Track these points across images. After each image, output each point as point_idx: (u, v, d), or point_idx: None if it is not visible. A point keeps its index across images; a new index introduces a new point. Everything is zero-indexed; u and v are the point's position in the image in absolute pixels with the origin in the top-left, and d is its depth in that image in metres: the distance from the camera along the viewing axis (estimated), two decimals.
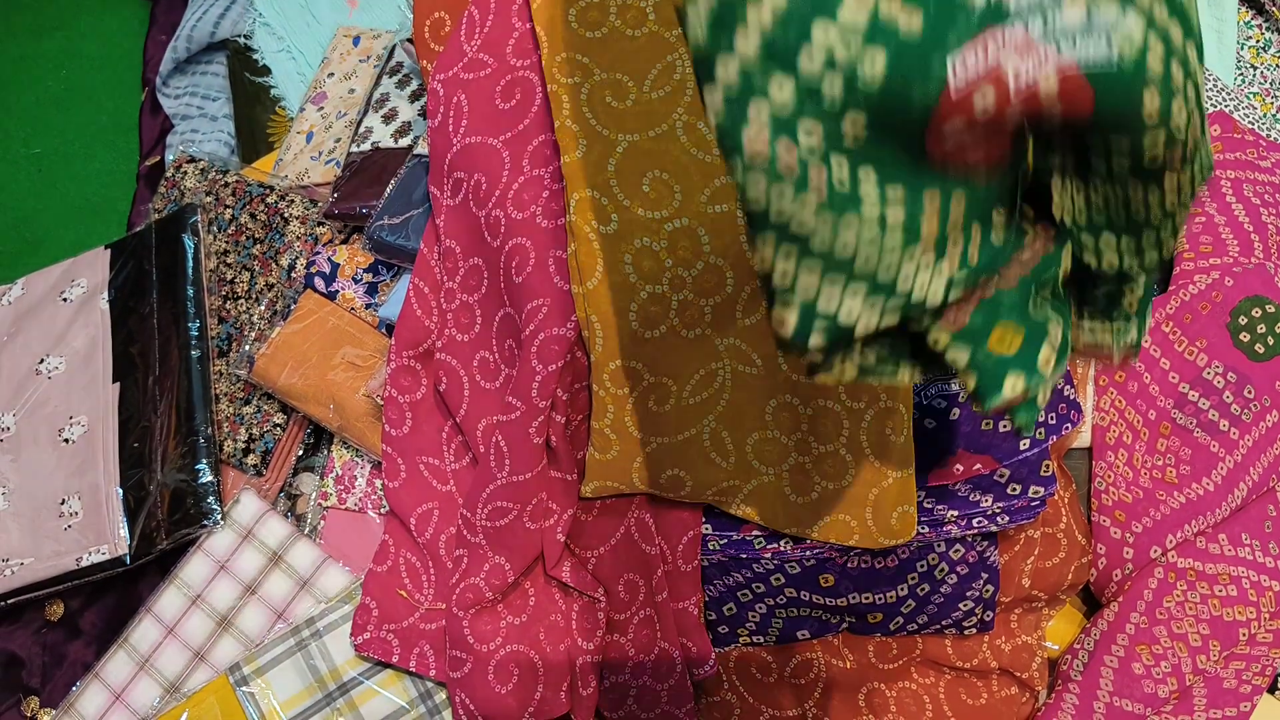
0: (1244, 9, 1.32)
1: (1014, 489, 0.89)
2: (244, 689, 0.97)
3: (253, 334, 1.12)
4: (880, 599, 0.91)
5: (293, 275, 1.13)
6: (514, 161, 0.90)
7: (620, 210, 0.84)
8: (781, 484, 0.89)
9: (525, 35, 0.94)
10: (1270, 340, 0.95)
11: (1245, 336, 0.95)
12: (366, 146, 1.15)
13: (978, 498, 0.90)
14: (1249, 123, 1.17)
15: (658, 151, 0.86)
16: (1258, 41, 1.31)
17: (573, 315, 0.83)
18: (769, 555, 0.90)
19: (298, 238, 1.15)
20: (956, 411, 0.91)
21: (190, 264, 1.17)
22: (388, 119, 1.16)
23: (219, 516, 1.05)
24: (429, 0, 1.03)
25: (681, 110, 0.87)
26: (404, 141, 1.13)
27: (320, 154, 1.22)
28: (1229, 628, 0.91)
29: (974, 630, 0.94)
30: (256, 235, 1.17)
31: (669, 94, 0.88)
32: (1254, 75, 1.28)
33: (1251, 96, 1.26)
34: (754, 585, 0.91)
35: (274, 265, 1.15)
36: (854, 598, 0.90)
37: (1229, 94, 1.20)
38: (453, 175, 0.97)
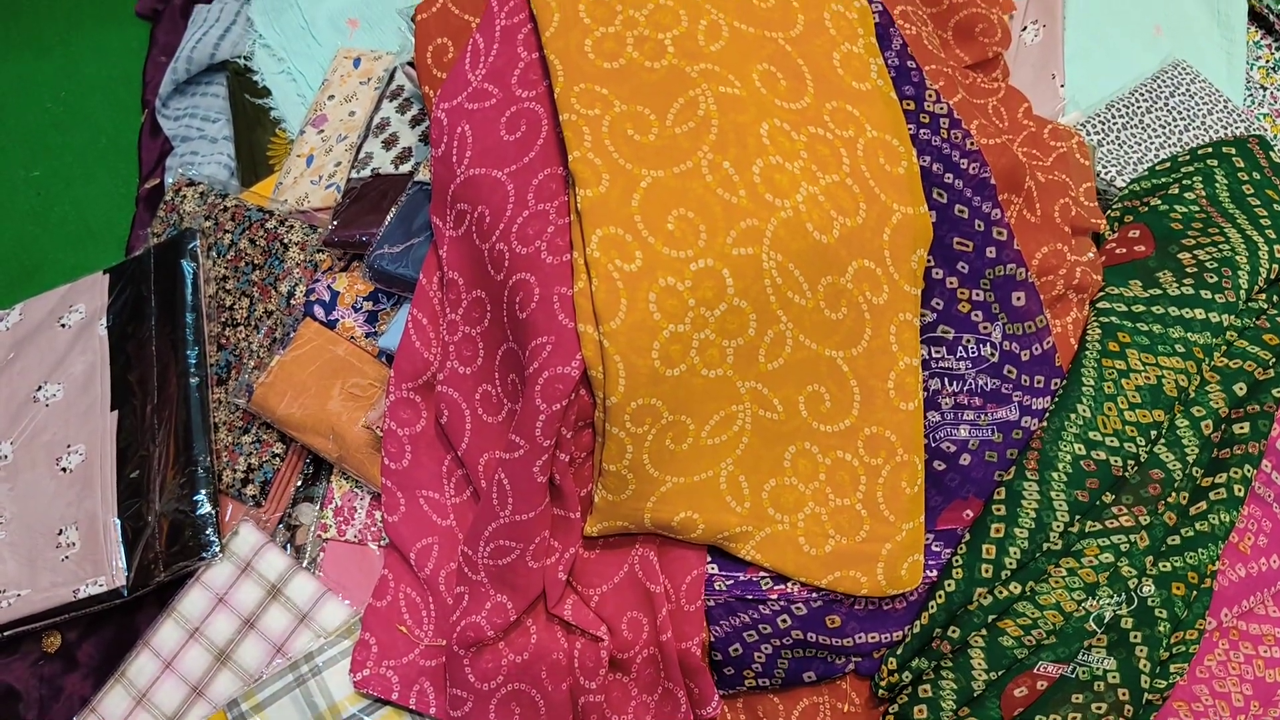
0: (1253, 29, 1.31)
1: None
2: None
3: (251, 362, 1.11)
4: (887, 638, 0.90)
5: (292, 303, 1.12)
6: (519, 195, 0.89)
7: (644, 248, 0.82)
8: (796, 534, 0.88)
9: (531, 65, 0.93)
10: None
11: None
12: (367, 173, 1.14)
13: None
14: None
15: (682, 189, 0.84)
16: (1267, 62, 1.30)
17: (578, 354, 0.82)
18: (776, 597, 0.89)
19: (297, 264, 1.14)
20: (967, 457, 0.90)
21: (189, 290, 1.16)
22: (388, 144, 1.15)
23: (217, 549, 1.03)
24: (431, 26, 1.02)
25: (707, 149, 0.85)
26: (404, 168, 1.12)
27: (320, 178, 1.21)
28: (1271, 689, 0.90)
29: None
30: (256, 261, 1.16)
31: (693, 130, 0.86)
32: (1264, 96, 1.27)
33: (1262, 118, 1.25)
34: (760, 626, 0.89)
35: (273, 292, 1.14)
36: (860, 638, 0.89)
37: (1239, 115, 1.19)
38: (456, 206, 0.95)
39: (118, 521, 1.06)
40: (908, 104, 0.94)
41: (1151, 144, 1.16)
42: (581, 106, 0.86)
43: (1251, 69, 1.29)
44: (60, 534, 1.07)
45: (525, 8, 0.95)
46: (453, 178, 0.95)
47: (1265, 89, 1.28)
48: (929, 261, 0.92)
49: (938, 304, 0.94)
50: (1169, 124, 1.18)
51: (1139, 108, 1.19)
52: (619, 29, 0.90)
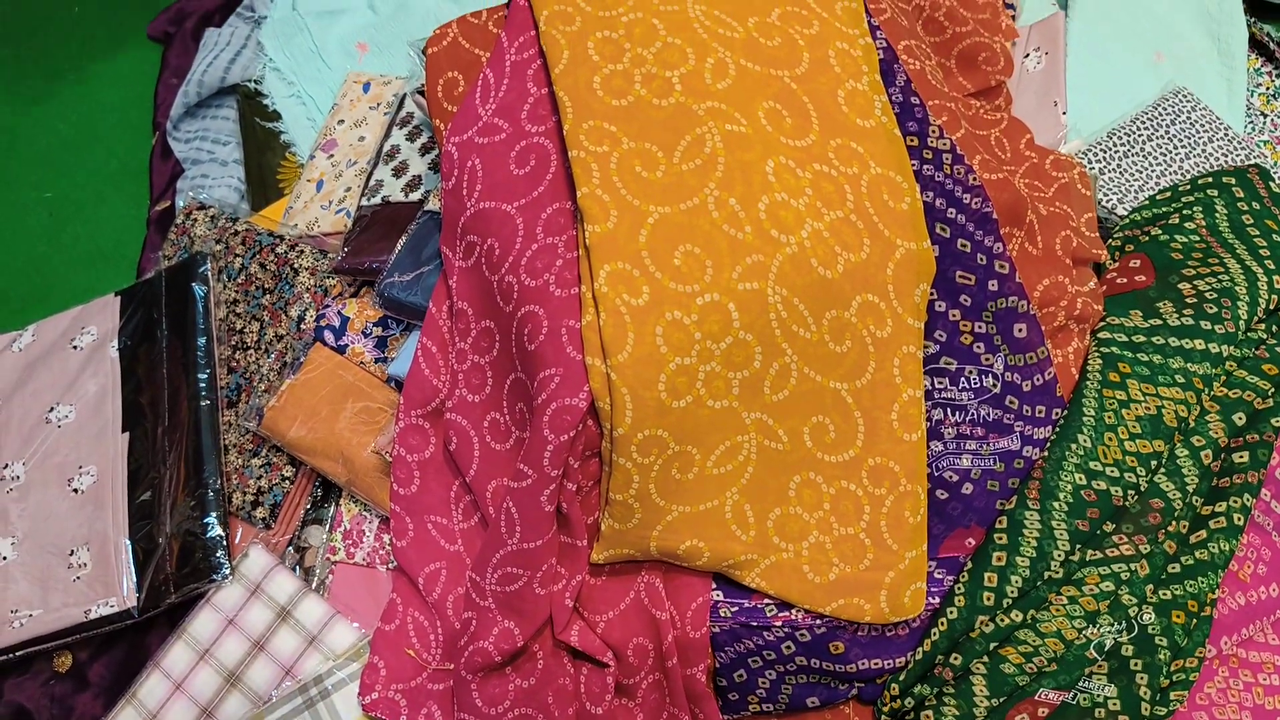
0: (1254, 56, 1.32)
1: None
2: None
3: (262, 386, 1.12)
4: (890, 664, 0.91)
5: (302, 327, 1.13)
6: (527, 228, 0.90)
7: (652, 282, 0.84)
8: (800, 562, 0.89)
9: (540, 100, 0.94)
10: None
11: None
12: (377, 200, 1.15)
13: None
14: None
15: (689, 225, 0.86)
16: (1268, 89, 1.31)
17: (585, 385, 0.83)
18: (780, 623, 0.90)
19: (307, 289, 1.15)
20: (969, 486, 0.91)
21: (200, 313, 1.17)
22: (398, 172, 1.17)
23: (228, 570, 1.05)
24: (442, 60, 1.03)
25: (713, 185, 0.87)
26: (414, 195, 1.14)
27: (330, 203, 1.22)
28: (1271, 716, 0.91)
29: None
30: (266, 285, 1.18)
31: (699, 167, 0.88)
32: (1264, 123, 1.28)
33: (1262, 145, 1.26)
34: (764, 652, 0.90)
35: (283, 316, 1.15)
36: (864, 664, 0.90)
37: (1239, 143, 1.20)
38: (466, 238, 0.97)
39: (129, 543, 1.07)
40: (911, 140, 0.96)
41: (1152, 172, 1.17)
42: (590, 143, 0.88)
43: (1252, 96, 1.30)
44: (72, 555, 1.08)
45: (534, 44, 0.97)
46: (463, 210, 0.96)
47: (1265, 116, 1.29)
48: (932, 294, 0.94)
49: (940, 336, 0.95)
50: (1170, 151, 1.19)
51: (1140, 135, 1.20)
52: (627, 66, 0.91)
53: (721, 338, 0.84)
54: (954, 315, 0.95)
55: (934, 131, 0.96)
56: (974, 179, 0.95)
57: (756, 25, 0.96)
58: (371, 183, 1.18)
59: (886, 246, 0.89)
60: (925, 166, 0.95)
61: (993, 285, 0.94)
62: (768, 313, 0.85)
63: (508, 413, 0.94)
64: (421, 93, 1.09)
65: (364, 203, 1.16)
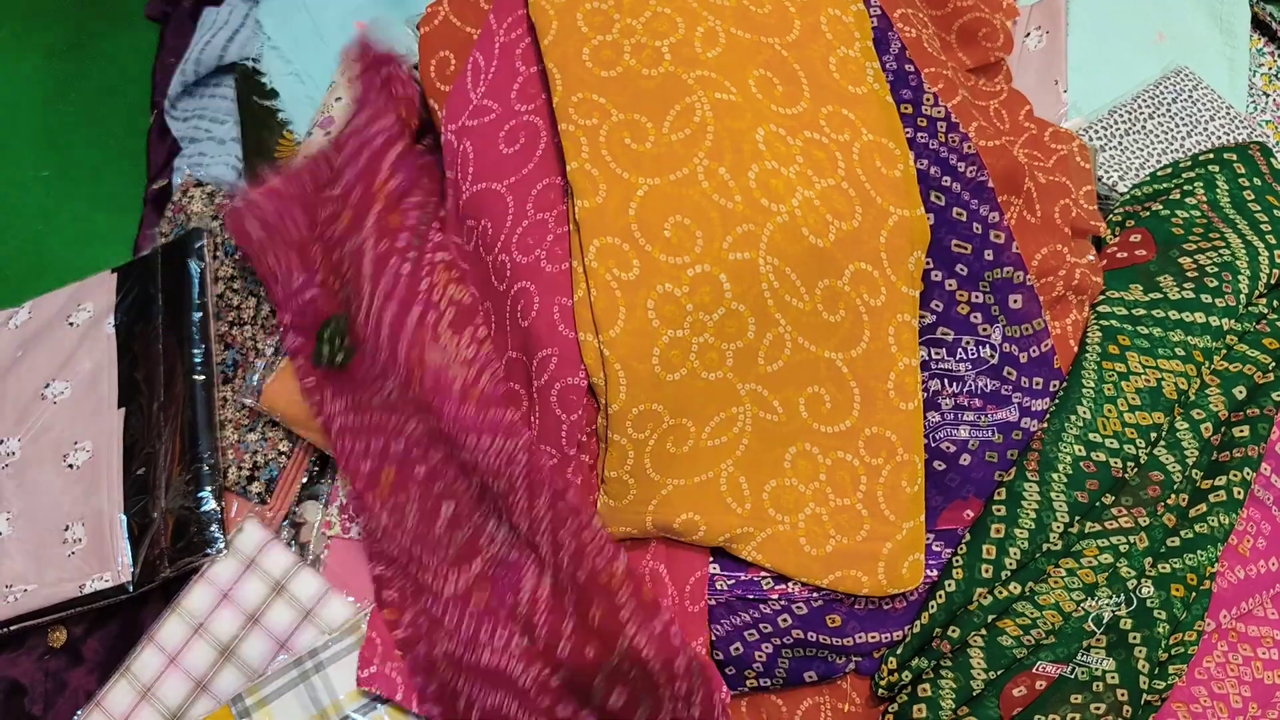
0: (1256, 36, 1.32)
1: None
2: None
3: (259, 362, 1.12)
4: (887, 638, 0.90)
5: None
6: (518, 205, 0.90)
7: (642, 256, 0.83)
8: (797, 534, 0.89)
9: (530, 79, 0.94)
10: None
11: None
12: None
13: None
14: None
15: (678, 196, 0.85)
16: (1270, 69, 1.30)
17: (582, 363, 0.83)
18: (777, 596, 0.89)
19: None
20: (967, 457, 0.91)
21: (196, 289, 1.17)
22: None
23: (222, 545, 1.04)
24: (434, 39, 1.03)
25: (702, 155, 0.86)
26: None
27: None
28: (1269, 690, 0.90)
29: None
30: None
31: (689, 137, 0.87)
32: (1267, 102, 1.28)
33: (1264, 124, 1.26)
34: (761, 625, 0.90)
35: None
36: (860, 637, 0.90)
37: (1241, 122, 1.19)
38: (464, 223, 0.97)
39: (124, 518, 1.07)
40: (905, 107, 0.95)
41: (1154, 150, 1.17)
42: (579, 116, 0.87)
43: (1254, 75, 1.29)
44: (67, 530, 1.08)
45: (523, 23, 0.97)
46: (460, 196, 0.96)
47: (1268, 95, 1.28)
48: (928, 264, 0.93)
49: (937, 306, 0.95)
50: (1171, 130, 1.18)
51: (1141, 114, 1.19)
52: (616, 37, 0.91)
53: (714, 309, 0.84)
54: (950, 285, 0.94)
55: (929, 99, 0.95)
56: (969, 147, 0.94)
57: None
58: None
59: (879, 214, 0.88)
60: (919, 134, 0.94)
61: (989, 255, 0.93)
62: (759, 283, 0.85)
63: None
64: (417, 67, 1.09)
65: None
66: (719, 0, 0.93)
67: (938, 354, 0.95)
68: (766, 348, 0.87)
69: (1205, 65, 1.26)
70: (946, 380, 0.95)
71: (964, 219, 0.94)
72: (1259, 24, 1.32)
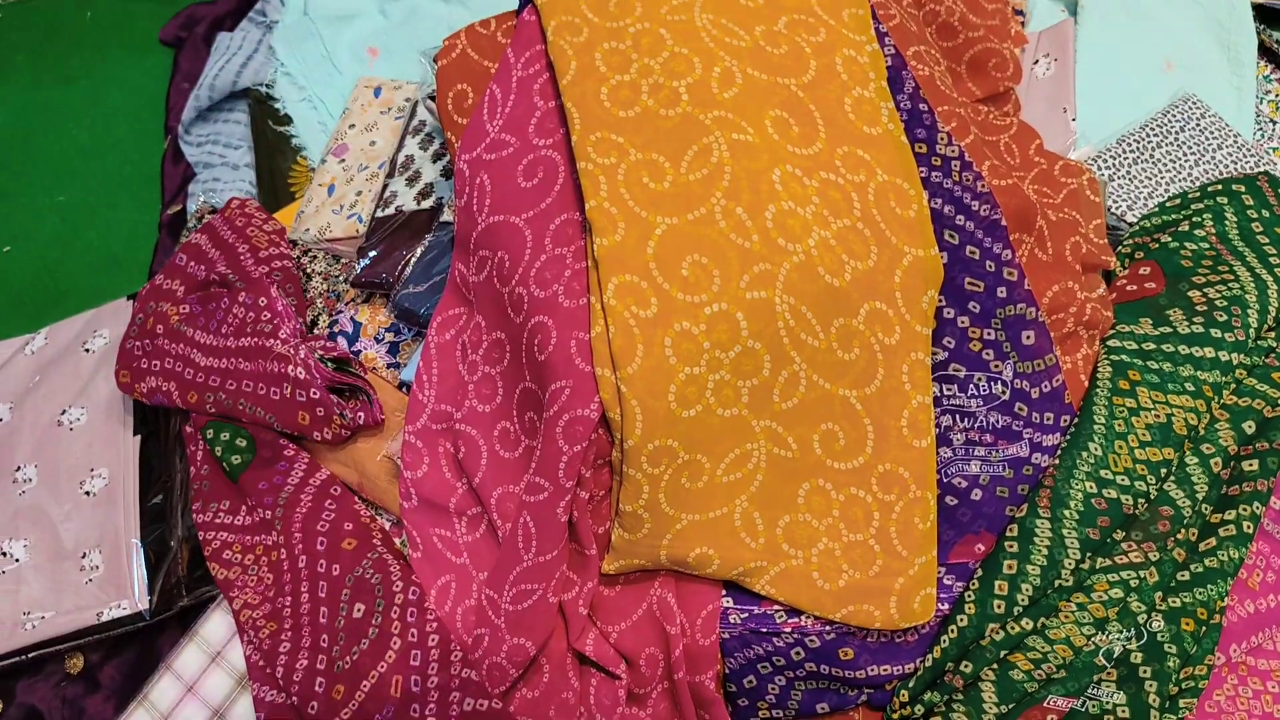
0: (1263, 63, 1.32)
1: None
2: None
3: None
4: (899, 671, 0.91)
5: (315, 332, 1.13)
6: (536, 240, 0.91)
7: (660, 294, 0.84)
8: (810, 569, 0.90)
9: (547, 113, 0.95)
10: None
11: None
12: (391, 210, 1.16)
13: None
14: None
15: (696, 235, 0.86)
16: (1277, 96, 1.31)
17: (596, 396, 0.83)
18: (789, 629, 0.90)
19: (320, 294, 1.16)
20: (978, 492, 0.91)
21: None
22: (411, 181, 1.17)
23: None
24: (452, 72, 1.04)
25: (720, 194, 0.87)
26: (427, 203, 1.14)
27: (342, 207, 1.23)
28: None
29: None
30: None
31: (706, 176, 0.88)
32: (1274, 130, 1.28)
33: (1272, 152, 1.26)
34: (774, 658, 0.91)
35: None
36: (873, 670, 0.90)
37: (1249, 150, 1.20)
38: (478, 254, 0.97)
39: (140, 545, 1.08)
40: (919, 147, 0.96)
41: (1162, 179, 1.18)
42: (597, 155, 0.88)
43: (1261, 103, 1.30)
44: (84, 557, 1.09)
45: (540, 59, 0.97)
46: (474, 226, 0.97)
47: (1275, 123, 1.29)
48: (941, 301, 0.94)
49: (949, 343, 0.96)
50: (1179, 159, 1.19)
51: (1150, 143, 1.20)
52: (634, 77, 0.92)
53: (730, 347, 0.84)
54: (963, 322, 0.95)
55: (942, 138, 0.96)
56: (983, 185, 0.95)
57: (763, 33, 0.96)
58: (386, 194, 1.18)
59: (894, 254, 0.89)
60: (934, 173, 0.95)
61: (1001, 292, 0.94)
62: (776, 321, 0.85)
63: (517, 421, 0.95)
64: (433, 98, 1.10)
65: (379, 214, 1.17)
66: (736, 41, 0.94)
67: (950, 390, 0.96)
68: (782, 385, 0.88)
69: (1213, 93, 1.27)
70: (958, 416, 0.96)
71: (977, 257, 0.94)
72: (1266, 51, 1.33)
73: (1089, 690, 0.88)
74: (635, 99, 0.91)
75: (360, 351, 1.10)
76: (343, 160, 1.28)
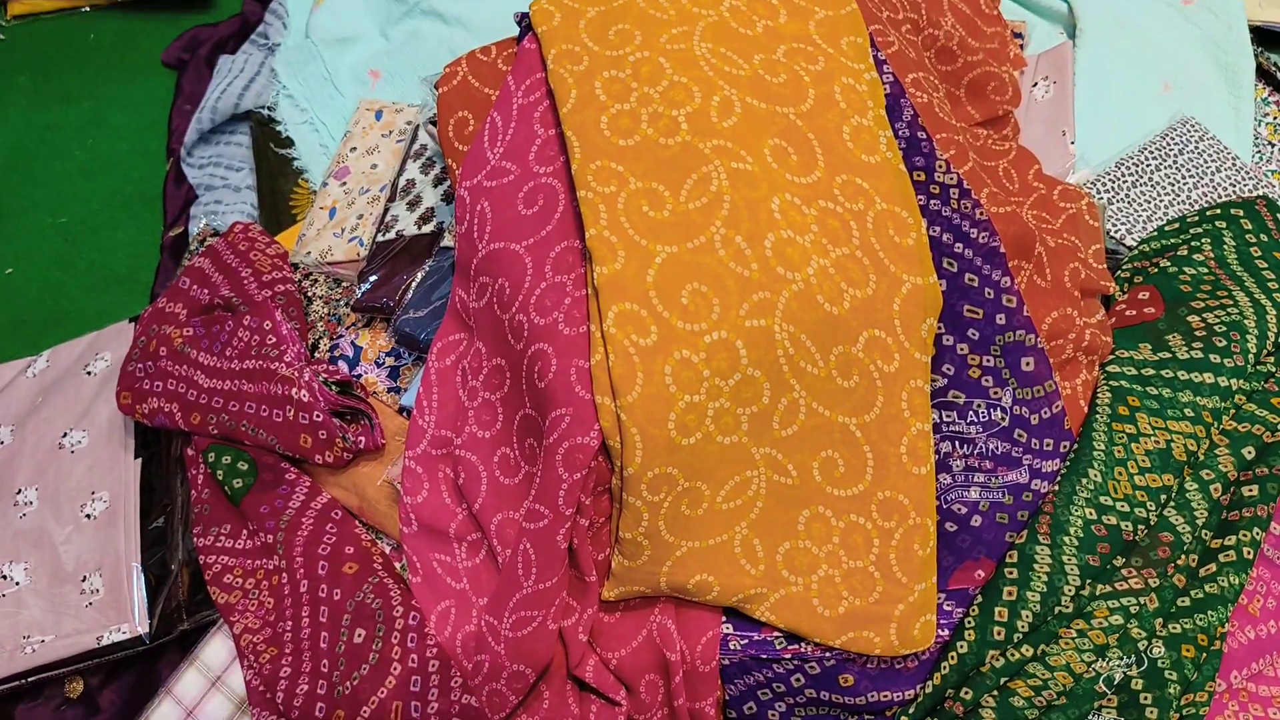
0: (1261, 86, 1.33)
1: None
2: None
3: None
4: (899, 697, 0.91)
5: (315, 356, 1.14)
6: (536, 267, 0.91)
7: (659, 322, 0.84)
8: (810, 595, 0.90)
9: (548, 141, 0.95)
10: None
11: None
12: (392, 235, 1.16)
13: None
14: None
15: (696, 264, 0.86)
16: (1275, 118, 1.31)
17: (596, 424, 0.84)
18: (789, 656, 0.90)
19: (320, 318, 1.16)
20: (978, 519, 0.91)
21: None
22: (412, 205, 1.18)
23: None
24: (453, 99, 1.04)
25: (719, 223, 0.88)
26: (428, 228, 1.15)
27: (343, 230, 1.23)
28: None
29: None
30: None
31: (706, 205, 0.88)
32: (1272, 152, 1.29)
33: (1270, 174, 1.27)
34: (774, 685, 0.91)
35: None
36: (873, 696, 0.90)
37: (1247, 173, 1.20)
38: (478, 280, 0.98)
39: (140, 569, 1.08)
40: (918, 175, 0.96)
41: (1160, 202, 1.18)
42: (597, 184, 0.88)
43: (1259, 125, 1.30)
44: (84, 581, 1.09)
45: (541, 86, 0.98)
46: (475, 253, 0.97)
47: (1273, 145, 1.29)
48: (940, 328, 0.94)
49: (949, 369, 0.96)
50: (1178, 181, 1.19)
51: (1148, 165, 1.20)
52: (634, 106, 0.92)
53: (730, 375, 0.85)
54: (962, 349, 0.95)
55: (941, 166, 0.96)
56: (981, 213, 0.95)
57: (762, 62, 0.97)
58: (387, 218, 1.19)
59: (893, 282, 0.90)
60: (932, 201, 0.96)
61: (1000, 319, 0.95)
62: (775, 349, 0.86)
63: (517, 447, 0.95)
64: (434, 123, 1.10)
65: (380, 238, 1.17)
66: (735, 70, 0.95)
67: (949, 417, 0.96)
68: (781, 413, 0.88)
69: (1211, 115, 1.27)
70: (958, 442, 0.96)
71: (976, 284, 0.95)
72: (1264, 74, 1.33)
73: (1090, 717, 0.88)
74: (635, 128, 0.91)
75: (361, 375, 1.11)
76: (344, 183, 1.29)
